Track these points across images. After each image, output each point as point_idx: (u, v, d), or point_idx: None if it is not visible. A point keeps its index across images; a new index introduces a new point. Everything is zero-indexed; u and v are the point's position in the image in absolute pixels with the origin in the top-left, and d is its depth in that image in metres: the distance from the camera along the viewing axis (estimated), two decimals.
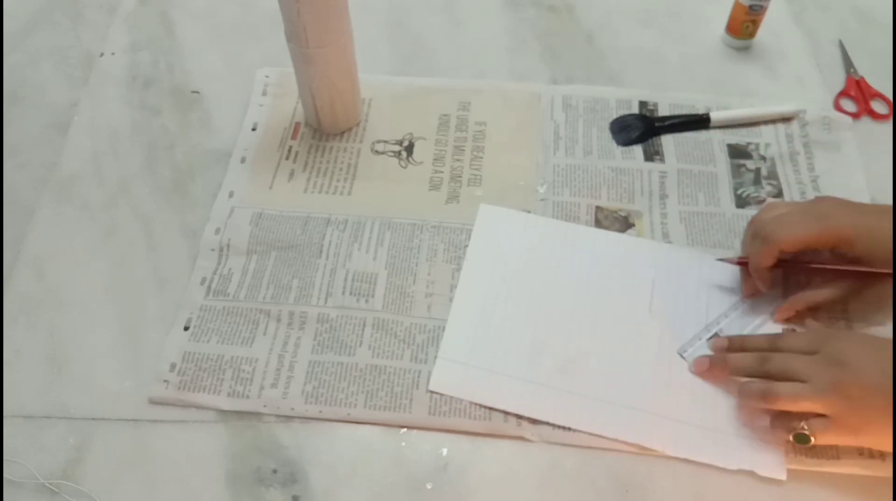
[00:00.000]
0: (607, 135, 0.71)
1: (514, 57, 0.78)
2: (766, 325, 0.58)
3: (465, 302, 0.60)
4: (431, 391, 0.56)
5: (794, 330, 0.58)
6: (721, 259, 0.61)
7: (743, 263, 0.59)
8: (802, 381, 0.49)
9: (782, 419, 0.51)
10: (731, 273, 0.61)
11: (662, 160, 0.69)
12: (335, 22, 0.62)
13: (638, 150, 0.70)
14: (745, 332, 0.58)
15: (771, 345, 0.54)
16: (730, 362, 0.54)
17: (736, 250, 0.63)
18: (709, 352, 0.57)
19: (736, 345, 0.55)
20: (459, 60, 0.77)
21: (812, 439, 0.49)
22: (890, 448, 0.49)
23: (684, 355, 0.57)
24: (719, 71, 0.77)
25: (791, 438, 0.50)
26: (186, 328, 0.59)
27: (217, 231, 0.64)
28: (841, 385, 0.48)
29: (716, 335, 0.58)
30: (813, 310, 0.58)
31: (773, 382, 0.51)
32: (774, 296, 0.59)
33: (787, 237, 0.55)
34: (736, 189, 0.67)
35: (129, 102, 0.74)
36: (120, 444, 0.54)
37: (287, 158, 0.70)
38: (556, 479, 0.53)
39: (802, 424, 0.49)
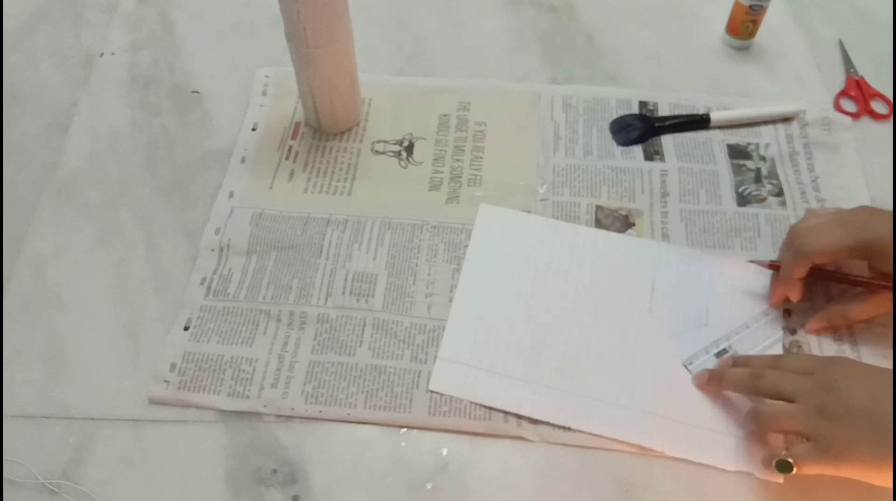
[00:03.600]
0: (607, 135, 0.71)
1: (514, 57, 0.78)
2: (776, 345, 0.58)
3: (465, 302, 0.60)
4: (431, 391, 0.56)
5: (797, 350, 0.57)
6: (753, 261, 0.61)
7: (775, 267, 0.59)
8: (792, 401, 0.49)
9: (771, 446, 0.51)
10: (731, 273, 0.61)
11: (662, 160, 0.69)
12: (335, 22, 0.62)
13: (638, 150, 0.70)
14: (756, 350, 0.57)
15: (771, 365, 0.53)
16: (725, 376, 0.54)
17: (736, 250, 0.63)
18: (713, 366, 0.56)
19: (739, 363, 0.55)
20: (459, 60, 0.77)
21: (794, 467, 0.48)
22: (872, 482, 0.47)
23: (689, 367, 0.57)
24: (719, 71, 0.77)
25: (773, 465, 0.49)
26: (186, 328, 0.59)
27: (217, 231, 0.64)
28: (826, 408, 0.47)
29: (724, 351, 0.57)
30: (848, 326, 0.58)
31: (762, 401, 0.51)
32: (802, 309, 0.59)
33: (819, 248, 0.54)
34: (738, 187, 0.67)
35: (129, 102, 0.74)
36: (120, 444, 0.54)
37: (287, 158, 0.70)
38: (556, 479, 0.53)
39: (784, 451, 0.48)
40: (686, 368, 0.57)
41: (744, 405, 0.54)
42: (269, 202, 0.66)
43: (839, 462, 0.47)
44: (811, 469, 0.48)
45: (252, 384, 0.56)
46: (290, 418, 0.55)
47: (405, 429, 0.55)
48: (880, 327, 0.58)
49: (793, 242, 0.57)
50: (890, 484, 0.46)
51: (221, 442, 0.54)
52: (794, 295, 0.57)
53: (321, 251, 0.63)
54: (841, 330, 0.58)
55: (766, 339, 0.58)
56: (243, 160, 0.69)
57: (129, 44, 0.79)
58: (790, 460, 0.48)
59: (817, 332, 0.58)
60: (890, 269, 0.54)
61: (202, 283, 0.61)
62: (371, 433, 0.55)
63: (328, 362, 0.57)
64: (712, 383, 0.55)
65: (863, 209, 0.57)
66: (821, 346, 0.58)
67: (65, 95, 0.75)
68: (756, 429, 0.52)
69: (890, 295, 0.55)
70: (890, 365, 0.55)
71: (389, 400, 0.56)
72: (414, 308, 0.60)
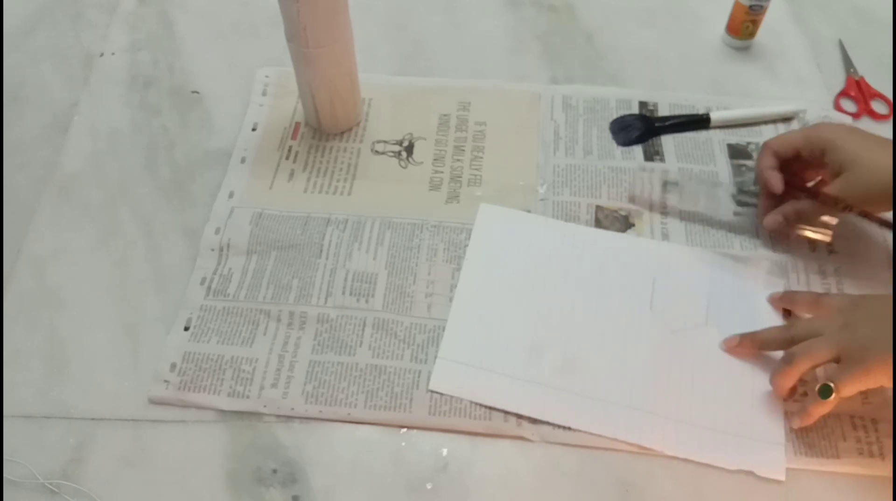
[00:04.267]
0: (607, 135, 0.71)
1: (514, 57, 0.78)
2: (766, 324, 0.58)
3: (465, 302, 0.60)
4: (431, 391, 0.56)
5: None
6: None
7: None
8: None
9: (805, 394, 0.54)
10: (731, 271, 0.61)
11: (662, 160, 0.69)
12: (335, 22, 0.62)
13: (638, 150, 0.70)
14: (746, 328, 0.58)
15: (785, 331, 0.56)
16: (759, 335, 0.56)
17: (736, 249, 0.63)
18: (712, 338, 0.58)
19: (747, 339, 0.57)
20: (459, 60, 0.77)
21: (833, 388, 0.50)
22: None
23: (677, 334, 0.59)
24: (719, 71, 0.77)
25: (817, 390, 0.51)
26: (186, 328, 0.59)
27: (217, 231, 0.64)
28: (848, 326, 0.51)
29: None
30: (803, 216, 0.61)
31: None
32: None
33: (778, 139, 0.62)
34: (737, 188, 0.67)
35: (129, 102, 0.74)
36: (120, 444, 0.54)
37: (287, 158, 0.70)
38: (556, 479, 0.53)
39: (817, 386, 0.51)
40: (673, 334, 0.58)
41: (744, 402, 0.54)
42: (269, 202, 0.66)
43: (870, 371, 0.50)
44: (848, 388, 0.50)
45: (252, 384, 0.56)
46: (290, 418, 0.55)
47: (405, 429, 0.55)
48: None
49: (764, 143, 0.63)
50: None
51: (221, 442, 0.54)
52: (774, 186, 0.60)
53: (321, 251, 0.63)
54: (793, 228, 0.62)
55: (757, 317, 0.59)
56: (243, 160, 0.69)
57: (129, 44, 0.79)
58: (830, 383, 0.50)
59: (773, 227, 0.62)
60: (844, 162, 0.57)
61: (202, 283, 0.61)
62: (371, 433, 0.55)
63: (328, 362, 0.57)
64: (745, 344, 0.57)
65: (823, 122, 0.63)
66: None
67: (65, 95, 0.75)
68: (790, 370, 0.53)
69: (851, 216, 0.59)
70: None
71: (389, 400, 0.56)
72: (414, 308, 0.60)
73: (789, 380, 0.53)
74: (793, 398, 0.55)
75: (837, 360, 0.51)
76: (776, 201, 0.62)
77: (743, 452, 0.53)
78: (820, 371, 0.54)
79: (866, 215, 0.58)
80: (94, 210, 0.66)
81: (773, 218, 0.61)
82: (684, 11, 0.82)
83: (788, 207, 0.61)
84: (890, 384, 0.50)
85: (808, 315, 0.58)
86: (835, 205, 0.58)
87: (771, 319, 0.59)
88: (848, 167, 0.57)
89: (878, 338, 0.49)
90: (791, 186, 0.61)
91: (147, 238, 0.64)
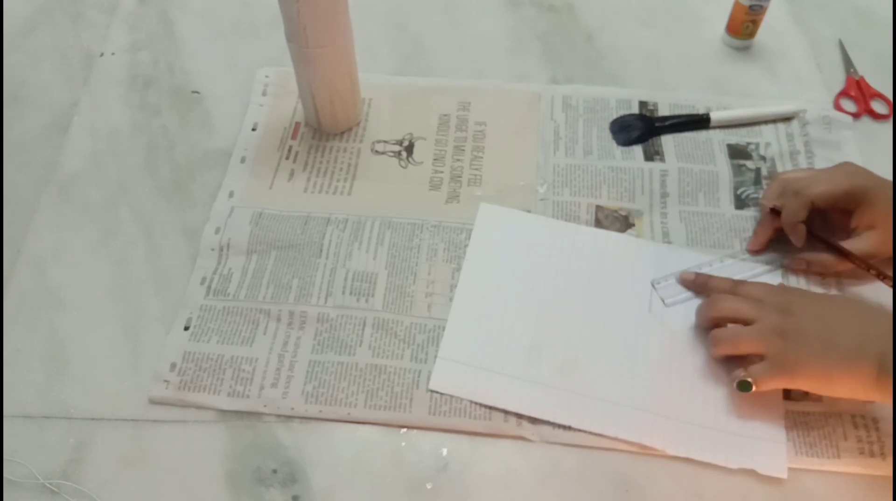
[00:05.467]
0: (607, 135, 0.71)
1: (514, 57, 0.78)
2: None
3: (466, 302, 0.60)
4: (431, 391, 0.56)
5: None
6: (753, 201, 0.64)
7: (777, 211, 0.61)
8: (750, 324, 0.54)
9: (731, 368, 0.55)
10: (731, 271, 0.61)
11: (662, 160, 0.69)
12: (335, 22, 0.62)
13: (638, 150, 0.70)
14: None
15: (731, 288, 0.58)
16: (711, 280, 0.59)
17: (736, 249, 0.63)
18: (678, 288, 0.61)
19: (700, 280, 0.60)
20: (459, 60, 0.77)
21: (752, 385, 0.52)
22: (823, 393, 0.52)
23: (657, 286, 0.60)
24: (719, 71, 0.77)
25: (735, 386, 0.53)
26: (186, 328, 0.59)
27: (217, 231, 0.64)
28: (781, 329, 0.52)
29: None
30: (825, 267, 0.61)
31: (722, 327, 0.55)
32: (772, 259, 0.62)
33: (820, 191, 0.59)
34: (736, 189, 0.67)
35: (129, 102, 0.74)
36: (120, 444, 0.54)
37: (287, 158, 0.70)
38: (556, 479, 0.53)
39: (741, 371, 0.53)
40: (653, 286, 0.60)
41: (744, 401, 0.54)
42: (269, 202, 0.66)
43: (793, 376, 0.52)
44: (768, 385, 0.52)
45: (252, 384, 0.56)
46: (290, 418, 0.55)
47: (405, 429, 0.55)
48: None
49: (791, 186, 0.60)
50: (839, 394, 0.51)
51: (221, 442, 0.54)
52: (798, 239, 0.60)
53: (321, 251, 0.63)
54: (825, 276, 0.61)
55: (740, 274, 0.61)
56: (243, 160, 0.69)
57: (129, 44, 0.79)
58: (749, 379, 0.52)
59: (795, 271, 0.61)
60: (874, 222, 0.58)
61: (202, 283, 0.61)
62: (371, 433, 0.55)
63: (328, 361, 0.57)
64: (697, 280, 0.60)
65: (849, 163, 0.62)
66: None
67: (65, 95, 0.75)
68: (715, 352, 0.55)
69: (862, 272, 0.59)
70: None
71: (389, 400, 0.56)
72: (414, 308, 0.60)
73: (705, 320, 0.57)
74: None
75: (762, 357, 0.52)
76: (776, 234, 0.62)
77: (744, 451, 0.53)
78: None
79: (883, 278, 0.57)
80: (94, 210, 0.66)
81: (798, 264, 0.61)
82: (684, 11, 0.82)
83: (814, 258, 0.60)
84: (812, 390, 0.53)
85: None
86: (861, 263, 0.58)
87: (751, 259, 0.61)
88: (880, 225, 0.58)
89: (812, 358, 0.51)
90: (811, 233, 0.60)
91: (147, 238, 0.64)
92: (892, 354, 0.48)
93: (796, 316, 0.52)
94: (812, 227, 0.60)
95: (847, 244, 0.59)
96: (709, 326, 0.57)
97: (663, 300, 0.59)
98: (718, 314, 0.56)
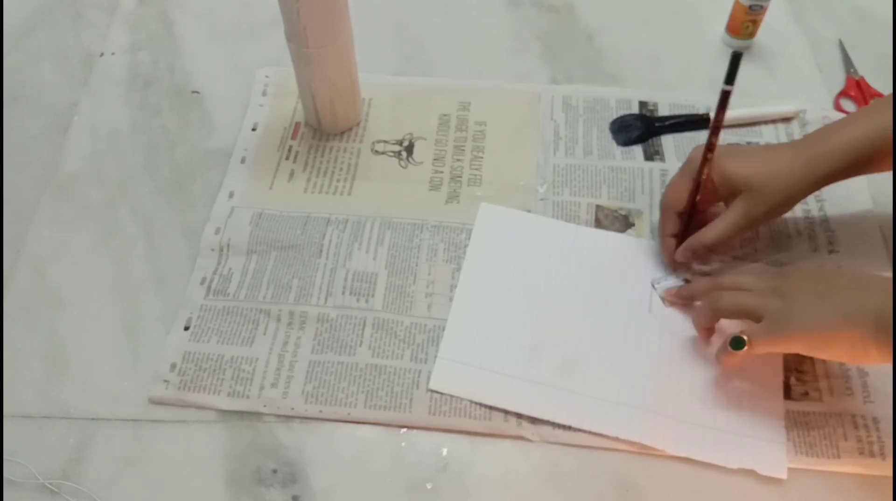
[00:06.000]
0: (607, 135, 0.71)
1: (514, 57, 0.78)
2: None
3: (466, 301, 0.60)
4: (431, 391, 0.56)
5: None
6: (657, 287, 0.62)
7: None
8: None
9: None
10: (731, 271, 0.61)
11: (662, 160, 0.69)
12: (335, 22, 0.62)
13: (638, 150, 0.70)
14: None
15: (713, 284, 0.56)
16: (692, 287, 0.58)
17: (735, 250, 0.63)
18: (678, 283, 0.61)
19: (683, 292, 0.59)
20: (459, 60, 0.77)
21: (746, 342, 0.51)
22: (819, 356, 0.52)
23: (656, 285, 0.60)
24: (719, 71, 0.76)
25: (728, 343, 0.51)
26: (186, 328, 0.59)
27: (217, 231, 0.64)
28: (779, 289, 0.51)
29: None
30: (712, 252, 0.60)
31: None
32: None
33: (668, 193, 0.60)
34: None
35: (129, 102, 0.74)
36: (120, 444, 0.54)
37: (287, 158, 0.70)
38: (556, 479, 0.53)
39: (740, 330, 0.52)
40: (653, 286, 0.60)
41: (744, 401, 0.54)
42: (269, 202, 0.66)
43: (789, 338, 0.50)
44: (763, 347, 0.51)
45: (252, 384, 0.56)
46: (290, 418, 0.55)
47: (405, 429, 0.55)
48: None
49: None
50: (835, 358, 0.52)
51: (221, 442, 0.54)
52: (670, 255, 0.60)
53: (321, 251, 0.63)
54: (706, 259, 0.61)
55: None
56: (243, 160, 0.69)
57: (129, 44, 0.79)
58: (744, 337, 0.51)
59: (686, 259, 0.60)
60: (732, 190, 0.57)
61: (202, 283, 0.61)
62: (371, 433, 0.55)
63: (328, 361, 0.57)
64: (678, 295, 0.59)
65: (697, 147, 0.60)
66: None
67: (65, 95, 0.75)
68: (712, 315, 0.55)
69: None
70: None
71: (389, 400, 0.56)
72: (414, 308, 0.60)
73: (708, 319, 0.56)
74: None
75: (758, 319, 0.51)
76: (678, 225, 0.61)
77: (744, 451, 0.53)
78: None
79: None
80: (94, 210, 0.66)
81: (684, 254, 0.59)
82: (684, 11, 0.82)
83: (693, 242, 0.59)
84: (808, 352, 0.52)
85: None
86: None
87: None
88: (743, 191, 0.57)
89: (809, 311, 0.50)
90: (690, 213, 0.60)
91: (147, 238, 0.64)
92: (893, 315, 0.47)
93: (792, 278, 0.52)
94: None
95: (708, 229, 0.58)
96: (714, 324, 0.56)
97: (663, 300, 0.59)
98: (722, 315, 0.55)
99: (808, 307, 0.50)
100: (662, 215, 0.61)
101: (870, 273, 0.54)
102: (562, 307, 0.60)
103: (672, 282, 0.60)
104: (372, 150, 0.70)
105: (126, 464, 0.53)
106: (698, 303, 0.57)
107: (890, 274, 0.57)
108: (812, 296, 0.50)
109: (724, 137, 0.70)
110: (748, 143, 0.70)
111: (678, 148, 0.70)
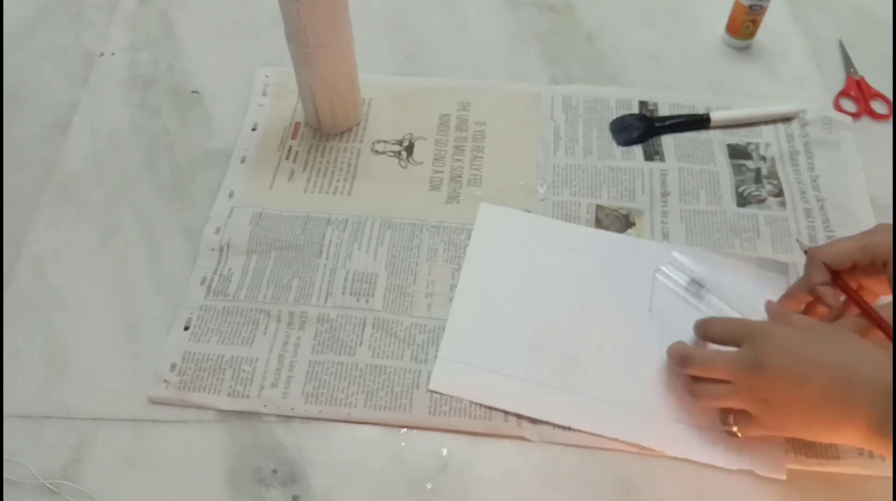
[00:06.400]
0: (607, 135, 0.71)
1: (514, 57, 0.78)
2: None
3: (466, 302, 0.60)
4: (431, 391, 0.56)
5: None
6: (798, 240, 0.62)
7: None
8: (727, 380, 0.51)
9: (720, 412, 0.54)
10: (731, 271, 0.61)
11: (662, 160, 0.69)
12: (335, 22, 0.62)
13: (638, 150, 0.70)
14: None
15: (702, 330, 0.54)
16: (669, 351, 0.56)
17: (736, 250, 0.63)
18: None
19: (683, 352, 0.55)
20: (459, 60, 0.77)
21: (737, 432, 0.52)
22: (813, 439, 0.51)
23: (656, 273, 0.61)
24: (719, 71, 0.77)
25: (724, 428, 0.52)
26: (186, 328, 0.59)
27: (217, 231, 0.64)
28: (758, 389, 0.49)
29: (696, 282, 0.61)
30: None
31: (702, 383, 0.53)
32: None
33: (830, 250, 0.54)
34: (737, 187, 0.67)
35: (129, 102, 0.74)
36: (120, 444, 0.54)
37: (287, 158, 0.70)
38: (556, 479, 0.53)
39: (730, 419, 0.52)
40: (655, 276, 0.61)
41: None
42: (269, 202, 0.66)
43: (779, 431, 0.50)
44: (755, 435, 0.51)
45: (252, 384, 0.56)
46: (290, 418, 0.55)
47: (405, 429, 0.55)
48: None
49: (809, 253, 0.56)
50: (829, 441, 0.51)
51: (221, 442, 0.54)
52: (828, 301, 0.54)
53: (321, 251, 0.63)
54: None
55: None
56: (243, 160, 0.69)
57: (129, 44, 0.79)
58: (735, 430, 0.52)
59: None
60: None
61: (202, 283, 0.61)
62: (371, 433, 0.55)
63: (328, 361, 0.57)
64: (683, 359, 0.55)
65: (882, 224, 0.56)
66: None
67: (65, 95, 0.75)
68: (698, 404, 0.54)
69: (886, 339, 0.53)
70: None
71: (389, 400, 0.56)
72: (414, 308, 0.60)
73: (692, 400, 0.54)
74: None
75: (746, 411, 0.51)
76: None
77: (743, 452, 0.53)
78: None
79: None
80: (94, 210, 0.66)
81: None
82: (684, 11, 0.82)
83: (850, 323, 0.53)
84: (804, 437, 0.51)
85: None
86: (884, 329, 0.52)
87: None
88: None
89: (797, 418, 0.48)
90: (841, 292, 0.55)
91: (147, 238, 0.64)
92: (893, 367, 0.45)
93: (769, 369, 0.48)
94: (843, 288, 0.54)
95: (882, 307, 0.53)
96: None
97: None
98: (692, 372, 0.53)
99: (792, 409, 0.48)
100: (811, 261, 0.55)
101: (858, 345, 0.48)
102: (562, 308, 0.60)
103: (675, 270, 0.60)
104: (372, 150, 0.70)
105: (126, 464, 0.53)
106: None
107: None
108: (794, 394, 0.47)
109: (723, 137, 0.71)
110: (748, 143, 0.70)
111: (678, 148, 0.70)
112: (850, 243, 0.54)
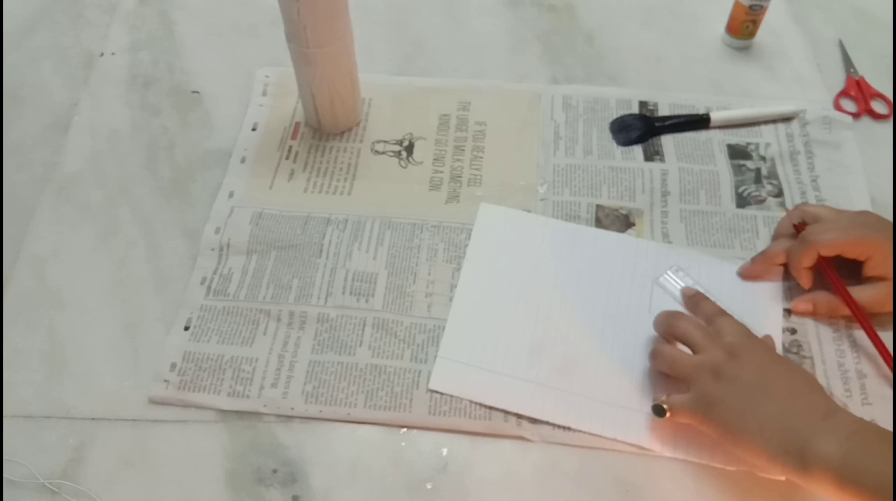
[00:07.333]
0: (607, 135, 0.71)
1: (514, 57, 0.78)
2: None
3: (466, 302, 0.60)
4: (431, 391, 0.56)
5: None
6: (756, 195, 0.65)
7: (801, 228, 0.60)
8: (695, 353, 0.52)
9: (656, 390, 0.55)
10: (731, 271, 0.61)
11: (662, 160, 0.69)
12: (335, 22, 0.62)
13: (638, 150, 0.70)
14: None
15: (711, 316, 0.55)
16: (700, 304, 0.57)
17: (736, 250, 0.63)
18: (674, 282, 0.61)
19: (695, 299, 0.58)
20: (459, 60, 0.77)
21: (667, 413, 0.51)
22: (729, 448, 0.50)
23: (659, 279, 0.61)
24: (719, 71, 0.77)
25: (651, 406, 0.52)
26: (186, 328, 0.59)
27: (217, 231, 0.64)
28: (720, 370, 0.50)
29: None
30: (831, 310, 0.59)
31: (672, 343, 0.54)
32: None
33: (825, 239, 0.57)
34: (737, 187, 0.67)
35: (129, 102, 0.74)
36: (120, 444, 0.54)
37: (287, 158, 0.70)
38: (556, 479, 0.53)
39: (664, 397, 0.52)
40: (657, 282, 0.61)
41: None
42: (269, 202, 0.66)
43: (707, 420, 0.50)
44: (682, 419, 0.51)
45: (252, 384, 0.56)
46: (290, 418, 0.55)
47: (405, 429, 0.55)
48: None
49: (803, 234, 0.58)
50: (741, 458, 0.50)
51: (221, 442, 0.54)
52: (805, 283, 0.58)
53: (321, 251, 0.63)
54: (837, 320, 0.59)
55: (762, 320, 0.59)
56: (243, 160, 0.69)
57: (129, 44, 0.79)
58: (665, 406, 0.51)
59: (802, 313, 0.59)
60: (886, 273, 0.56)
61: (202, 283, 0.61)
62: (371, 433, 0.55)
63: (328, 361, 0.57)
64: (692, 301, 0.58)
65: (866, 213, 0.60)
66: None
67: (65, 95, 0.75)
68: (652, 365, 0.55)
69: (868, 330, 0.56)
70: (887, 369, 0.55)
71: (389, 400, 0.56)
72: (414, 308, 0.60)
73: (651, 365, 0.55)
74: None
75: (689, 389, 0.51)
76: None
77: None
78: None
79: (874, 341, 0.55)
80: (94, 210, 0.66)
81: (804, 306, 0.59)
82: (684, 11, 0.82)
83: (822, 298, 0.58)
84: (717, 439, 0.50)
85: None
86: (867, 328, 0.55)
87: (769, 318, 0.59)
88: (887, 279, 0.56)
89: (733, 404, 0.48)
90: (819, 273, 0.58)
91: (147, 238, 0.64)
92: (893, 364, 0.46)
93: (739, 363, 0.50)
94: (823, 267, 0.58)
95: (854, 292, 0.57)
96: (662, 337, 0.55)
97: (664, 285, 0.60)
98: (670, 331, 0.54)
99: (733, 410, 0.48)
100: (803, 245, 0.57)
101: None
102: (562, 308, 0.60)
103: (678, 271, 0.60)
104: (372, 150, 0.70)
105: (126, 464, 0.53)
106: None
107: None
108: (744, 400, 0.48)
109: (723, 137, 0.71)
110: (748, 143, 0.70)
111: (678, 148, 0.70)
112: (843, 235, 0.57)
